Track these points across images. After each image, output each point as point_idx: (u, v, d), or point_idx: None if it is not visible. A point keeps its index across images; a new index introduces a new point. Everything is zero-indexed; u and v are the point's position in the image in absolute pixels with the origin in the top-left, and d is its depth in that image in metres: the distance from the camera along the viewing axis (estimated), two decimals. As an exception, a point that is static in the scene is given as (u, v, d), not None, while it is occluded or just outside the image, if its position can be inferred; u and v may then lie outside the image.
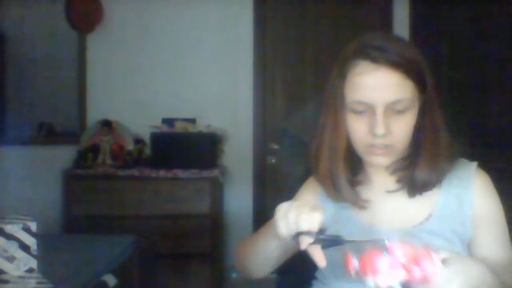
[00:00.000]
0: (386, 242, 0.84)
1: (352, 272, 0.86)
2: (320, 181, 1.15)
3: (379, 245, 0.84)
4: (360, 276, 0.85)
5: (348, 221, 1.14)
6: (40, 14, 3.56)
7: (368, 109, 1.03)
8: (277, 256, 1.11)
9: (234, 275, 3.57)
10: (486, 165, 1.16)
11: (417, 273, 0.82)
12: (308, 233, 0.90)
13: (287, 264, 1.39)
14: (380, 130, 1.01)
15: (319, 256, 0.92)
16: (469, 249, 1.09)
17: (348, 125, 1.07)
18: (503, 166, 3.22)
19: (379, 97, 1.01)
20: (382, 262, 0.82)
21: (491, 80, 3.53)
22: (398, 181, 1.12)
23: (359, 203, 1.12)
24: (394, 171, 1.12)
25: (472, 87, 3.54)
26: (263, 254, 1.11)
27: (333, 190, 1.13)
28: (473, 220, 1.09)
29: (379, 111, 1.01)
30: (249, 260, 1.16)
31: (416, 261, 0.82)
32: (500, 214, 1.11)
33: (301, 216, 0.91)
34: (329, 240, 0.91)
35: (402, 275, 0.82)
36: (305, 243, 0.91)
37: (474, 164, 1.14)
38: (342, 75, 1.05)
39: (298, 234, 0.92)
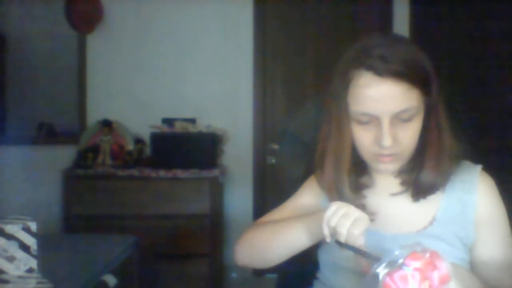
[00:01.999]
0: (400, 259, 0.81)
1: None
2: (325, 191, 1.15)
3: (395, 264, 0.81)
4: None
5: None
6: (40, 14, 3.56)
7: (373, 120, 1.01)
8: (299, 249, 1.07)
9: (234, 275, 3.57)
10: (486, 166, 1.15)
11: (436, 277, 0.80)
12: (343, 243, 0.93)
13: (288, 264, 1.39)
14: (387, 142, 1.00)
15: (363, 265, 0.94)
16: (472, 252, 1.09)
17: (353, 135, 1.06)
18: (504, 168, 3.22)
19: (384, 109, 0.99)
20: (407, 280, 0.79)
21: (492, 80, 3.52)
22: (402, 183, 1.11)
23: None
24: (398, 174, 1.11)
25: (472, 87, 3.54)
26: (286, 244, 1.07)
27: (339, 200, 1.10)
28: (475, 224, 1.08)
29: (385, 122, 1.00)
30: (264, 248, 1.12)
31: (433, 265, 0.80)
32: (503, 217, 1.10)
33: (342, 228, 0.92)
34: (359, 253, 0.91)
35: (427, 284, 0.80)
36: (341, 249, 0.94)
37: (479, 167, 1.13)
38: (345, 85, 1.03)
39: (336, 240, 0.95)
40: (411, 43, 1.08)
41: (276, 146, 3.58)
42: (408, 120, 1.01)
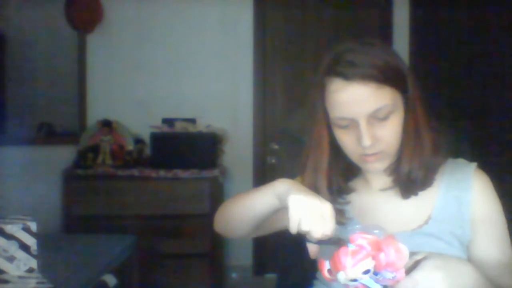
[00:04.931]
0: (349, 233, 0.86)
1: (326, 274, 0.88)
2: None
3: (343, 240, 0.86)
4: (333, 275, 0.86)
5: (348, 225, 1.14)
6: (40, 14, 3.56)
7: (352, 123, 1.04)
8: (270, 208, 1.08)
9: (234, 275, 3.57)
10: (486, 165, 1.16)
11: (383, 258, 0.83)
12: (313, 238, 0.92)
13: (288, 263, 1.40)
14: (366, 142, 1.03)
15: (311, 249, 0.95)
16: (468, 250, 1.09)
17: (338, 140, 1.09)
18: (503, 166, 3.23)
19: (358, 111, 1.02)
20: (348, 254, 0.84)
21: (491, 81, 3.53)
22: (393, 181, 1.12)
23: (342, 220, 1.13)
24: (391, 172, 1.12)
25: (472, 88, 3.54)
26: (252, 214, 1.09)
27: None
28: (472, 222, 1.09)
29: (362, 123, 1.02)
30: (234, 215, 1.15)
31: (380, 248, 0.83)
32: (499, 215, 1.11)
33: (315, 233, 0.91)
34: (329, 243, 0.91)
35: (369, 264, 0.83)
36: (309, 244, 0.94)
37: (473, 165, 1.14)
38: (321, 93, 1.08)
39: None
40: (385, 46, 1.12)
41: (276, 146, 3.58)
42: (386, 118, 1.04)
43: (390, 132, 1.05)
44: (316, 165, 1.13)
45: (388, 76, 1.03)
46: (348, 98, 1.02)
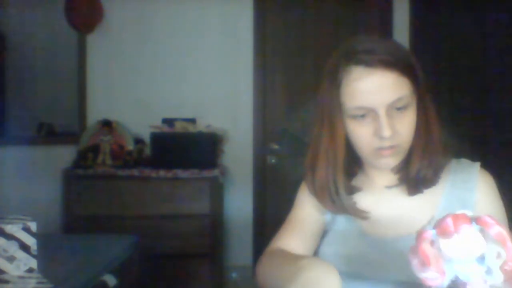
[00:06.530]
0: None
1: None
2: (316, 193, 1.13)
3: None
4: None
5: (349, 227, 1.13)
6: (40, 14, 3.56)
7: (369, 113, 1.02)
8: None
9: (234, 275, 3.57)
10: (485, 165, 1.15)
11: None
12: None
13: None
14: (386, 132, 1.01)
15: None
16: None
17: (350, 132, 1.06)
18: (503, 165, 3.22)
19: (379, 100, 1.00)
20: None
21: (490, 81, 3.53)
22: (400, 178, 1.11)
23: (361, 214, 1.11)
24: (397, 171, 1.11)
25: (471, 88, 3.54)
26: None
27: (331, 202, 1.11)
28: None
29: (382, 113, 1.01)
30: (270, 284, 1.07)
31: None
32: (502, 215, 1.10)
33: None
34: None
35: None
36: None
37: (477, 164, 1.13)
38: (336, 84, 1.05)
39: None
40: (396, 42, 1.12)
41: (276, 146, 3.58)
42: (403, 109, 1.03)
43: (407, 125, 1.04)
44: (330, 161, 1.10)
45: (406, 66, 1.03)
46: (370, 86, 1.01)
